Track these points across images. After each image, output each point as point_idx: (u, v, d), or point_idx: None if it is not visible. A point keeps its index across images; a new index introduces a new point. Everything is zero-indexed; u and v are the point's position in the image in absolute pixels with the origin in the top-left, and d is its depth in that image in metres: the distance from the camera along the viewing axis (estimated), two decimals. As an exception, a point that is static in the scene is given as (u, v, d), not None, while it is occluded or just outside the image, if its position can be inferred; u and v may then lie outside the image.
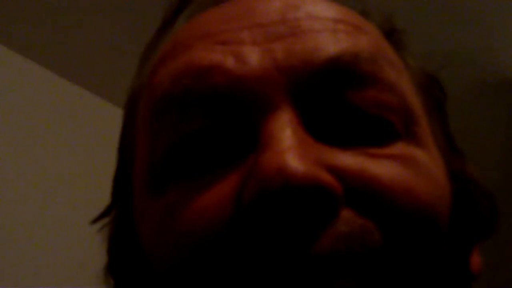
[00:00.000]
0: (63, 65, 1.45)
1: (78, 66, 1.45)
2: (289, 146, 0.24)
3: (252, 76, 0.27)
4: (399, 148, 0.28)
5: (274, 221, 0.24)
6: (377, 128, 0.28)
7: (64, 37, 1.36)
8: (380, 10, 0.37)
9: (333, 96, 0.28)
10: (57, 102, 1.44)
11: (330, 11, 0.31)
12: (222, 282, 0.25)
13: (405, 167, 0.27)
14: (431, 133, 0.32)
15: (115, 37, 1.35)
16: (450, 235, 0.28)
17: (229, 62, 0.28)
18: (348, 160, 0.26)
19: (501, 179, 1.39)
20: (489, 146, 1.50)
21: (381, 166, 0.26)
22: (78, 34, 1.35)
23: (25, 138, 1.33)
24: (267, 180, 0.23)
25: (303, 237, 0.24)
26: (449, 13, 1.26)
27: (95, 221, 0.36)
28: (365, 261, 0.24)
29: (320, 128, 0.27)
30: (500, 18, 1.28)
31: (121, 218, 0.34)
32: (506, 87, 1.43)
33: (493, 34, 1.32)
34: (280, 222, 0.24)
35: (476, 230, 0.33)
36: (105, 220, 0.36)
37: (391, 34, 0.35)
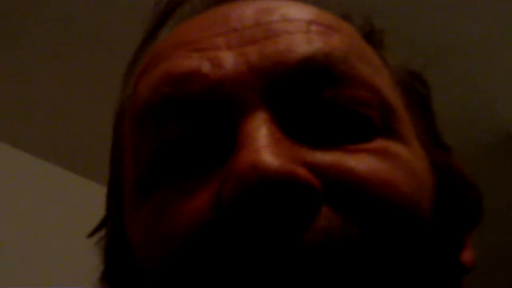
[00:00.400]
0: (48, 150, 1.52)
1: (62, 150, 1.52)
2: (264, 144, 0.25)
3: (227, 79, 0.28)
4: (377, 142, 0.28)
5: (253, 219, 0.24)
6: (354, 124, 0.28)
7: (49, 125, 1.43)
8: (360, 12, 0.37)
9: (307, 96, 0.28)
10: (43, 186, 1.49)
11: (303, 13, 0.31)
12: (205, 283, 0.25)
13: (382, 160, 0.27)
14: (413, 127, 0.32)
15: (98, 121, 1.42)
16: (435, 227, 0.29)
17: (205, 67, 0.29)
18: (324, 156, 0.26)
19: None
20: (498, 205, 1.48)
21: (357, 160, 0.27)
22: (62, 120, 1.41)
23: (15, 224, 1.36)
24: (242, 178, 0.24)
25: (284, 233, 0.24)
26: (445, 74, 1.27)
27: (91, 234, 0.37)
28: (347, 255, 0.24)
29: (296, 128, 0.28)
30: (498, 76, 1.29)
31: (114, 228, 0.34)
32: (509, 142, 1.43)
33: (491, 91, 1.33)
34: (259, 220, 0.24)
35: (463, 221, 0.32)
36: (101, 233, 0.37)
37: (371, 34, 0.36)
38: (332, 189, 0.25)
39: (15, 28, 1.21)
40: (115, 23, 1.21)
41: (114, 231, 0.34)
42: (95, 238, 0.37)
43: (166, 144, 0.29)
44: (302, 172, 0.24)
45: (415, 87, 0.36)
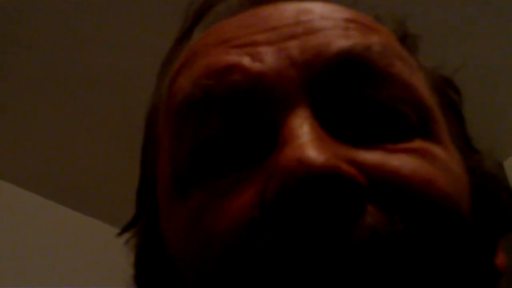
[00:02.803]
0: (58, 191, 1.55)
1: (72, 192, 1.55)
2: (308, 140, 0.25)
3: (268, 72, 0.28)
4: (416, 143, 0.28)
5: (299, 214, 0.24)
6: (393, 123, 0.28)
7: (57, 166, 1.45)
8: (393, 16, 0.37)
9: (347, 90, 0.28)
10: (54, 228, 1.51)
11: (341, 13, 0.32)
12: (252, 282, 0.25)
13: (423, 161, 0.27)
14: (448, 130, 0.32)
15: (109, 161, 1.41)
16: (473, 229, 0.29)
17: (246, 61, 0.29)
18: (368, 154, 0.26)
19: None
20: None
21: (400, 159, 0.27)
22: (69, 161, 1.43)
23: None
24: (288, 174, 0.23)
25: (331, 230, 0.24)
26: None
27: (121, 233, 0.37)
28: (393, 251, 0.24)
29: (336, 125, 0.28)
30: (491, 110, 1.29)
31: (147, 227, 0.34)
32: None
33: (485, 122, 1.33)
34: (305, 215, 0.24)
35: (499, 224, 0.32)
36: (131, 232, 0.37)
37: (405, 38, 0.36)
38: (376, 188, 0.25)
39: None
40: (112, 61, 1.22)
41: (147, 230, 0.34)
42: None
43: (207, 140, 0.29)
44: (348, 167, 0.24)
45: (447, 92, 0.36)
